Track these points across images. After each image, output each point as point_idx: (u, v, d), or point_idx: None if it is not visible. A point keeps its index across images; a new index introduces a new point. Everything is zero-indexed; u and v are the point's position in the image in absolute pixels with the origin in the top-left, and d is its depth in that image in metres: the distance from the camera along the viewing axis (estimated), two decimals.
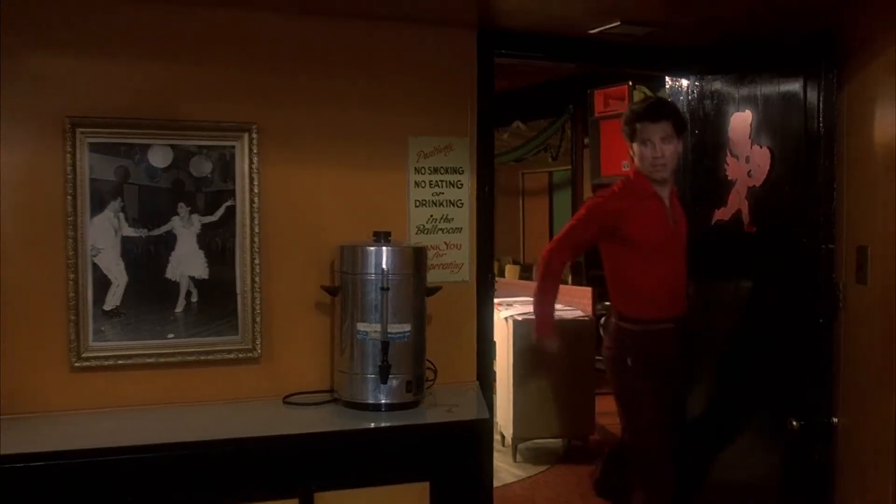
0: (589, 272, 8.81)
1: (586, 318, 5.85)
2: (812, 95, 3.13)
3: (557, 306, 6.20)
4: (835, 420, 3.15)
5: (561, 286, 9.12)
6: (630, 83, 8.01)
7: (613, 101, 8.38)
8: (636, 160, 3.44)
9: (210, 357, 3.04)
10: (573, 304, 6.50)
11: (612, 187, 3.53)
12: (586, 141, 9.73)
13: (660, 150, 3.37)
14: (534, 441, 5.79)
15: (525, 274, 10.46)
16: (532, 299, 3.66)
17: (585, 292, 6.97)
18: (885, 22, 2.89)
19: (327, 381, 3.17)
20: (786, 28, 3.23)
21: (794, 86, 3.20)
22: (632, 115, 3.47)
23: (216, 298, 3.05)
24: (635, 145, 3.42)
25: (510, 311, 5.70)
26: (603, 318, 6.95)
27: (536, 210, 11.98)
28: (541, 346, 3.69)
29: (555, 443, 5.90)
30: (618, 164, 8.47)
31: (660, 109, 3.43)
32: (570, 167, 10.53)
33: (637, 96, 8.06)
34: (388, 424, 2.86)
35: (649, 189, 3.45)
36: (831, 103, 3.07)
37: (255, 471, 2.67)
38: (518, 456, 5.63)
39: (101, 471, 2.54)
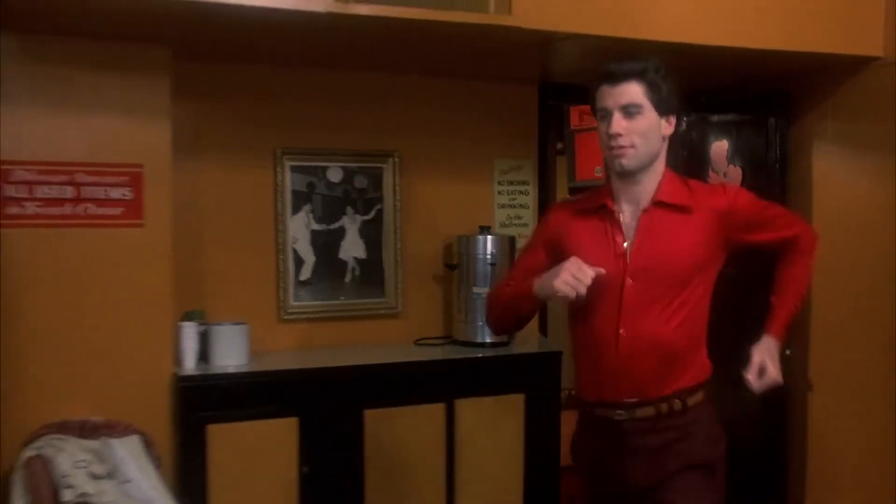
0: None
1: None
2: (772, 131, 4.53)
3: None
4: (787, 352, 4.61)
5: None
6: None
7: (587, 117, 9.81)
8: None
9: (367, 312, 4.37)
10: None
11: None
12: (559, 146, 11.14)
13: (616, 126, 2.29)
14: None
15: None
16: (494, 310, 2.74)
17: None
18: (817, 87, 4.38)
19: (441, 330, 4.52)
20: (753, 85, 4.69)
21: (760, 123, 4.62)
22: (591, 84, 2.39)
23: (371, 272, 4.37)
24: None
25: None
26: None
27: None
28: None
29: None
30: (591, 169, 9.92)
31: (621, 68, 2.32)
32: None
33: None
34: (496, 354, 4.22)
35: (598, 196, 2.50)
36: (785, 137, 4.51)
37: (412, 385, 3.97)
38: None
39: (309, 382, 3.80)
